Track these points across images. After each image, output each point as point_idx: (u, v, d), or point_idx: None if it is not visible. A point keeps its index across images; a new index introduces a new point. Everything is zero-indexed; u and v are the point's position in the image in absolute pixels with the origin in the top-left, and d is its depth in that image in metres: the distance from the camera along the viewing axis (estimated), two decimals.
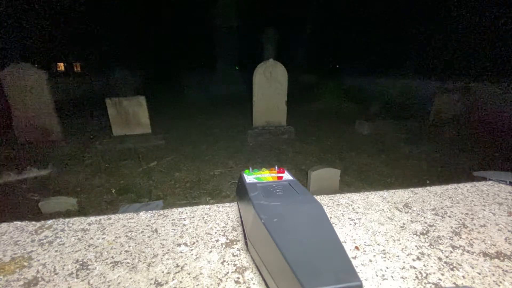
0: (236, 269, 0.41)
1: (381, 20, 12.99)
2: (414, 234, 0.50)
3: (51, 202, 2.26)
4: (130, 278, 0.39)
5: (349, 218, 0.56)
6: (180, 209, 0.60)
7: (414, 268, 0.41)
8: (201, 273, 0.40)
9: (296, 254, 0.25)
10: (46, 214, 2.22)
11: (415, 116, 5.83)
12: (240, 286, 0.38)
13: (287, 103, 4.30)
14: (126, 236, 0.50)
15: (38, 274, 0.40)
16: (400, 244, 0.47)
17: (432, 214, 0.58)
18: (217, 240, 0.48)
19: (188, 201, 2.46)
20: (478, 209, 0.60)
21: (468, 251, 0.45)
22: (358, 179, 2.92)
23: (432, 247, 0.46)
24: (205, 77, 10.23)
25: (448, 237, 0.49)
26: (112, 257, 0.44)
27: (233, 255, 0.44)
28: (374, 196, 0.66)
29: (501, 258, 0.44)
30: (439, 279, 0.39)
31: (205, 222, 0.55)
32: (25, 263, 0.42)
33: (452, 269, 0.41)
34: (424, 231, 0.51)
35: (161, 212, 0.59)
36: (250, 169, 0.51)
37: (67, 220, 0.55)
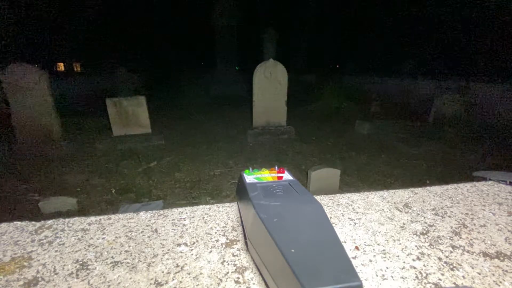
0: (236, 269, 0.41)
1: (381, 20, 12.99)
2: (414, 234, 0.50)
3: (51, 202, 2.26)
4: (130, 278, 0.39)
5: (349, 218, 0.56)
6: (180, 209, 0.60)
7: (414, 268, 0.41)
8: (201, 273, 0.40)
9: (296, 254, 0.25)
10: (46, 214, 2.22)
11: (415, 116, 5.83)
12: (240, 286, 0.38)
13: (287, 103, 4.30)
14: (126, 236, 0.50)
15: (38, 274, 0.40)
16: (400, 244, 0.47)
17: (432, 214, 0.58)
18: (217, 240, 0.48)
19: (188, 201, 2.46)
20: (478, 209, 0.60)
21: (468, 251, 0.45)
22: (358, 179, 2.92)
23: (432, 247, 0.46)
24: (205, 77, 10.23)
25: (448, 237, 0.49)
26: (112, 257, 0.44)
27: (233, 255, 0.44)
28: (374, 196, 0.66)
29: (501, 258, 0.44)
30: (439, 279, 0.39)
31: (205, 222, 0.55)
32: (25, 263, 0.42)
33: (452, 269, 0.41)
34: (424, 231, 0.51)
35: (161, 212, 0.59)
36: (250, 169, 0.51)
37: (67, 220, 0.55)
